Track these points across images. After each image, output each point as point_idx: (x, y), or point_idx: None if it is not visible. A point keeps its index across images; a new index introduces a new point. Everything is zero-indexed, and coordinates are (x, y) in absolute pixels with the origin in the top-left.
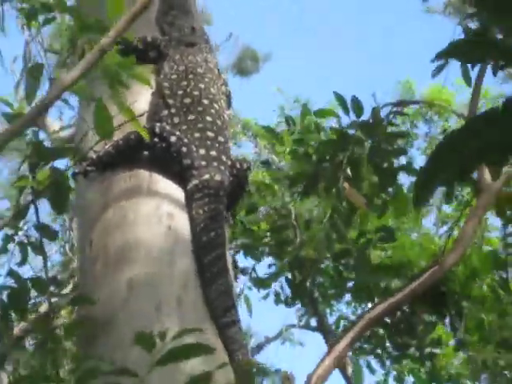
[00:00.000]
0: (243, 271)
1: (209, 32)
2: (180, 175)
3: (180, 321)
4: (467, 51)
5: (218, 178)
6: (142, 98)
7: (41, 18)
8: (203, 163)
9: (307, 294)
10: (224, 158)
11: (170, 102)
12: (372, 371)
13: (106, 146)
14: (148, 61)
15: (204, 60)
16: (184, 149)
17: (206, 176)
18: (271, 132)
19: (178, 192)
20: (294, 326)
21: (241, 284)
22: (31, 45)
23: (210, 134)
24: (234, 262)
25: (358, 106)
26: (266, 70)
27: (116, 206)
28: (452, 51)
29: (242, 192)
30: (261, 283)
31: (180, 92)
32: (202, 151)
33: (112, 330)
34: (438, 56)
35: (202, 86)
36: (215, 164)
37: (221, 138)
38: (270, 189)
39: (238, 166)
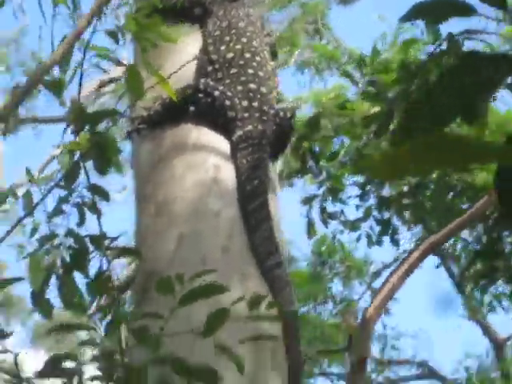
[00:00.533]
0: (332, 216)
1: None
2: (225, 127)
3: (226, 268)
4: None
5: (260, 127)
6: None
7: None
8: (246, 115)
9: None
10: (266, 108)
11: (214, 57)
12: None
13: (155, 105)
14: (194, 18)
15: (246, 14)
16: (227, 102)
17: (249, 127)
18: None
19: (223, 144)
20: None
21: (332, 228)
22: None
23: (252, 86)
24: (323, 209)
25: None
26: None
27: (166, 161)
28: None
29: (287, 140)
30: (350, 226)
31: (223, 47)
32: (245, 103)
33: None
34: (402, 20)
35: (244, 39)
36: (258, 115)
37: (263, 89)
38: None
39: (281, 114)
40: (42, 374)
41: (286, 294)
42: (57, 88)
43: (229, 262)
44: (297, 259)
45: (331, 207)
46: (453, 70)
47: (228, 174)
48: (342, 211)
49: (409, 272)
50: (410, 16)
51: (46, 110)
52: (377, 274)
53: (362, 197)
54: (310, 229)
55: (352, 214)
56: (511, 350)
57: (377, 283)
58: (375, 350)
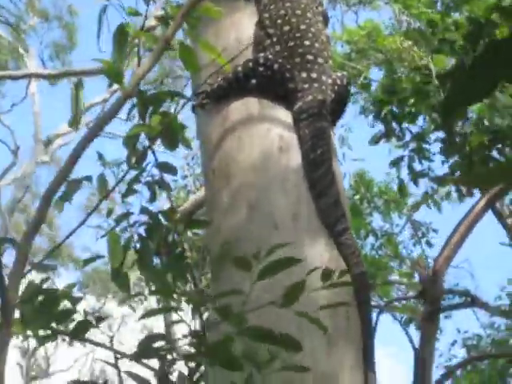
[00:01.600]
0: (422, 174)
1: None
2: (286, 99)
3: (296, 234)
4: None
5: (320, 97)
6: (247, 29)
7: None
8: (306, 86)
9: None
10: (324, 78)
11: (271, 31)
12: None
13: (218, 79)
14: None
15: None
16: (287, 74)
17: (309, 97)
18: None
19: (285, 115)
20: None
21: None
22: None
23: (309, 57)
24: (411, 169)
25: None
26: None
27: (232, 134)
28: None
29: (345, 106)
30: (440, 181)
31: (279, 21)
32: (304, 74)
33: (236, 251)
34: None
35: (299, 12)
36: (316, 85)
37: (320, 60)
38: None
39: (338, 82)
40: (138, 355)
41: (355, 258)
42: (117, 76)
43: (299, 227)
44: None
45: (418, 166)
46: (496, 45)
47: (291, 143)
48: (430, 168)
49: (475, 221)
50: None
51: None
52: (415, 206)
53: (445, 152)
54: (403, 189)
55: (439, 170)
56: None
57: (416, 216)
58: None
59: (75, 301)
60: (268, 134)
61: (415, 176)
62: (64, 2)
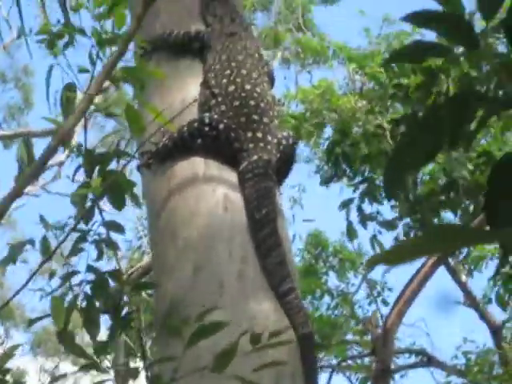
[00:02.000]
0: (370, 217)
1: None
2: (232, 159)
3: (242, 294)
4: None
5: (265, 157)
6: (191, 89)
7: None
8: (251, 145)
9: None
10: (270, 137)
11: (216, 91)
12: None
13: (164, 139)
14: (194, 53)
15: (244, 47)
16: (232, 134)
17: (255, 157)
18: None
19: (231, 174)
20: None
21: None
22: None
23: (254, 117)
24: (361, 211)
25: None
26: None
27: (178, 193)
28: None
29: (291, 165)
30: (388, 225)
31: (224, 81)
32: (249, 134)
33: (182, 309)
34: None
35: (244, 72)
36: (262, 145)
37: (265, 119)
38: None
39: (284, 142)
40: None
41: (300, 318)
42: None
43: (245, 287)
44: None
45: (368, 209)
46: (440, 107)
47: (237, 203)
48: (379, 211)
49: (424, 279)
50: (392, 60)
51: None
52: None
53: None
54: (351, 231)
55: (388, 214)
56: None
57: (372, 274)
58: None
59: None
60: (213, 193)
61: (364, 218)
62: (20, 62)
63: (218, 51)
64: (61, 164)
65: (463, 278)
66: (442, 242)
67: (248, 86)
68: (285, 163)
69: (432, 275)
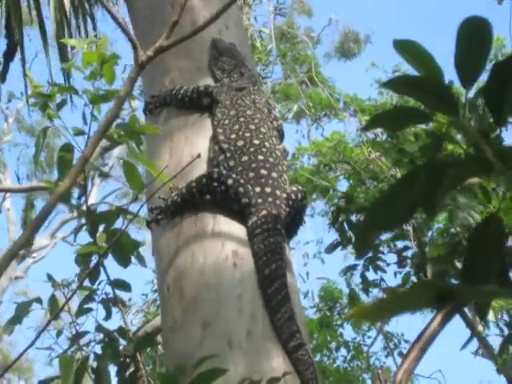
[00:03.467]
0: (374, 284)
1: (256, 71)
2: (240, 214)
3: (251, 351)
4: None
5: (274, 212)
6: (200, 143)
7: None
8: (260, 200)
9: None
10: (278, 192)
11: (225, 146)
12: None
13: (172, 195)
14: (203, 108)
15: (252, 101)
16: (241, 189)
17: (264, 212)
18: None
19: (240, 230)
20: None
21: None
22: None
23: (263, 172)
24: (364, 278)
25: None
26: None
27: (186, 249)
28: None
29: (300, 221)
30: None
31: (233, 136)
32: (258, 189)
33: (191, 367)
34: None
35: (253, 127)
36: (270, 199)
37: (274, 174)
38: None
39: (293, 197)
40: None
41: (310, 374)
42: (65, 197)
43: (254, 344)
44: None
45: (371, 275)
46: (414, 174)
47: (246, 258)
48: (382, 278)
49: (434, 334)
50: (371, 126)
51: None
52: None
53: (400, 263)
54: (353, 298)
55: (391, 281)
56: None
57: (388, 327)
58: None
59: None
60: (222, 249)
61: (367, 286)
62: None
63: (226, 106)
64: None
65: (480, 328)
66: (423, 297)
67: (257, 141)
68: (294, 218)
69: (439, 332)
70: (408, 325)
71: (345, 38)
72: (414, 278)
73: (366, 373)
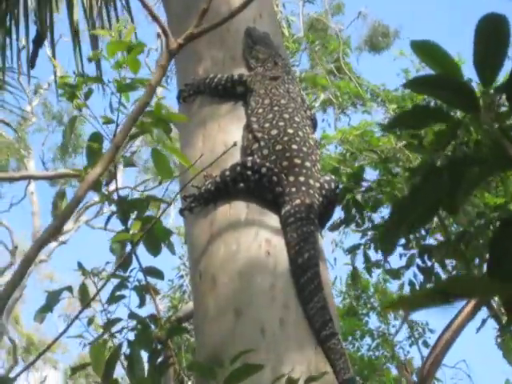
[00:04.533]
0: (376, 265)
1: (290, 62)
2: (274, 202)
3: (284, 340)
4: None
5: (307, 201)
6: (233, 132)
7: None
8: (293, 189)
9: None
10: (312, 181)
11: (259, 135)
12: None
13: (206, 183)
14: (237, 97)
15: (286, 91)
16: (275, 178)
17: (297, 201)
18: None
19: (273, 218)
20: None
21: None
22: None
23: (297, 161)
24: (367, 257)
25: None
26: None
27: (219, 238)
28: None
29: (333, 210)
30: (393, 274)
31: (267, 125)
32: (292, 178)
33: (224, 357)
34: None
35: (287, 116)
36: (304, 189)
37: (307, 164)
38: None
39: (326, 186)
40: None
41: (342, 363)
42: (96, 185)
43: (286, 332)
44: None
45: (374, 256)
46: (435, 174)
47: (279, 247)
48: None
49: (462, 326)
50: (393, 125)
51: None
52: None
53: (405, 245)
54: (356, 277)
55: (395, 262)
56: None
57: (413, 316)
58: None
59: None
60: (255, 238)
61: (370, 265)
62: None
63: (260, 95)
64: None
65: (504, 319)
66: (456, 293)
67: (290, 130)
68: (326, 207)
69: (471, 320)
70: (433, 314)
71: (374, 32)
72: (418, 261)
73: (389, 362)
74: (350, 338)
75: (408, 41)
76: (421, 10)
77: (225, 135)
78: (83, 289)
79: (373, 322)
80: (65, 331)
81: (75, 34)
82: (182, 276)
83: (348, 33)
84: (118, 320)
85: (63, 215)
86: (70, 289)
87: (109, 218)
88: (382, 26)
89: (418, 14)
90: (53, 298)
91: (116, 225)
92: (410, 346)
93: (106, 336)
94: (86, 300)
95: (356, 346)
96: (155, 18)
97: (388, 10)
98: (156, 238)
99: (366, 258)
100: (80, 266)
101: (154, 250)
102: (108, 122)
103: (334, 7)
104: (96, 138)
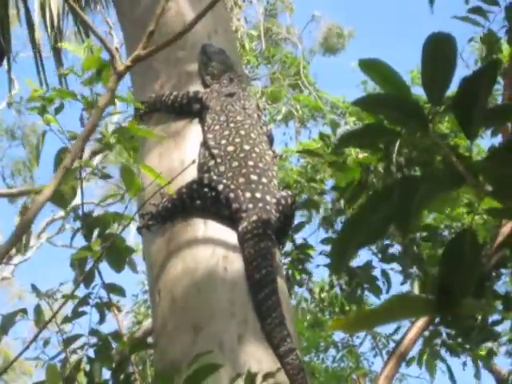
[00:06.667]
0: (299, 283)
1: (246, 76)
2: (231, 219)
3: (242, 355)
4: None
5: (264, 217)
6: (190, 149)
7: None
8: (250, 206)
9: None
10: (269, 197)
11: (215, 152)
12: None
13: (163, 201)
14: (193, 114)
15: (242, 107)
16: (231, 195)
17: (254, 217)
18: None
19: (230, 235)
20: None
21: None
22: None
23: (253, 177)
24: (288, 276)
25: None
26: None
27: (177, 255)
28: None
29: (290, 226)
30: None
31: (223, 141)
32: (248, 194)
33: (183, 372)
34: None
35: (243, 132)
36: (261, 205)
37: (264, 180)
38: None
39: (283, 202)
40: None
41: (300, 379)
42: (62, 200)
43: (245, 349)
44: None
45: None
46: (388, 189)
47: (237, 263)
48: (310, 278)
49: (413, 342)
50: (342, 145)
51: None
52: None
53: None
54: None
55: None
56: None
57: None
58: None
59: None
60: (213, 254)
61: (294, 283)
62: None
63: (216, 112)
64: (63, 217)
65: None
66: (402, 311)
67: (247, 147)
68: (284, 223)
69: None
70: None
71: (328, 33)
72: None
73: (354, 372)
74: (314, 350)
75: (363, 46)
76: (372, 11)
77: (181, 153)
78: (38, 311)
79: (337, 333)
80: (20, 354)
81: (37, 49)
82: (146, 291)
83: (303, 36)
84: (78, 336)
85: (19, 229)
86: (24, 311)
87: (74, 234)
88: (335, 27)
89: (370, 15)
90: (8, 321)
91: (79, 241)
92: (374, 356)
93: (66, 354)
94: (40, 322)
95: (321, 357)
96: (101, 40)
97: (340, 13)
98: (119, 253)
99: (287, 278)
100: (34, 288)
101: (117, 266)
102: (74, 137)
103: (288, 9)
104: (64, 152)
